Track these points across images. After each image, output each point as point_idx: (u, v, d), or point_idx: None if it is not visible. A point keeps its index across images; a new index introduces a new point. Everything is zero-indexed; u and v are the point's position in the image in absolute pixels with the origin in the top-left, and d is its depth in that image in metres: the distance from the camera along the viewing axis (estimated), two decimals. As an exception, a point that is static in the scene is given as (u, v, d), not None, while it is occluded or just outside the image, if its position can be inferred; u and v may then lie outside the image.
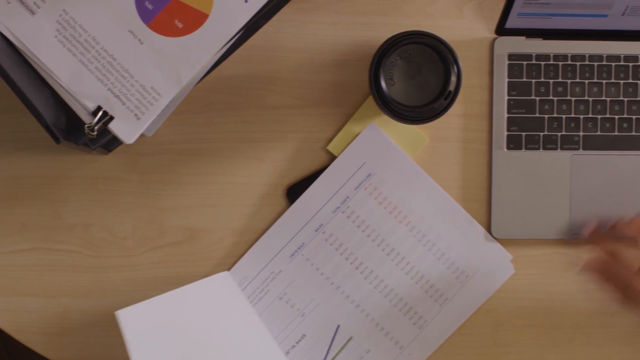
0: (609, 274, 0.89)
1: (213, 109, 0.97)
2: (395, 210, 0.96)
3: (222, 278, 0.94)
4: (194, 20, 0.87)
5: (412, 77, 0.90)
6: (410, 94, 0.91)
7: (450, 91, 0.91)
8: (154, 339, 0.83)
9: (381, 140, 0.96)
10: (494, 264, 0.97)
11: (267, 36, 0.97)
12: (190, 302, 0.90)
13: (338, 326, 0.96)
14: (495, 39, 0.98)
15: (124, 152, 0.97)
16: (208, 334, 0.88)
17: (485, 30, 0.98)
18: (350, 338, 0.97)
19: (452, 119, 0.98)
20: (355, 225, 0.96)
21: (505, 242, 0.98)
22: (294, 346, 0.96)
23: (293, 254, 0.96)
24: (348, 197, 0.96)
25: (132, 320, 0.83)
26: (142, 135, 0.95)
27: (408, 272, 0.97)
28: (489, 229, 0.98)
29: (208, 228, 0.97)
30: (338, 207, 0.96)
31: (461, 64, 0.97)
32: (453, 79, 0.90)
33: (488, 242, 0.98)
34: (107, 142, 0.93)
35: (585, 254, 0.99)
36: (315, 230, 0.96)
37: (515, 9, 0.94)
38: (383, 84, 0.90)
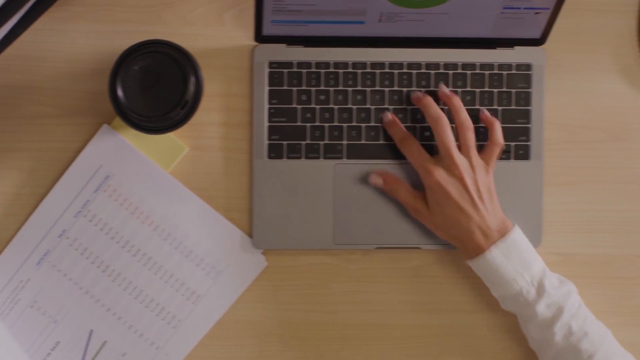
0: (395, 182, 0.94)
1: (-27, 119, 0.97)
2: (137, 211, 0.96)
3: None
4: None
5: (150, 87, 0.89)
6: (148, 103, 0.89)
7: (187, 100, 0.89)
8: None
9: (116, 141, 0.96)
10: (245, 257, 0.97)
11: (26, 45, 0.96)
12: None
13: (91, 331, 0.96)
14: (255, 46, 0.96)
15: None
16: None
17: (245, 37, 0.97)
18: (105, 342, 0.96)
19: (213, 128, 0.97)
20: (98, 229, 0.96)
21: (269, 253, 0.97)
22: (49, 354, 0.96)
23: (39, 262, 0.96)
24: (88, 200, 0.96)
25: None
26: None
27: (156, 272, 0.96)
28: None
29: (-31, 238, 0.97)
30: (79, 212, 0.96)
31: (219, 72, 0.97)
32: (191, 88, 0.89)
33: (236, 236, 0.97)
34: None
35: (350, 263, 0.98)
36: (59, 236, 0.96)
37: (267, 16, 0.93)
38: (120, 93, 0.89)
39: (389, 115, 0.95)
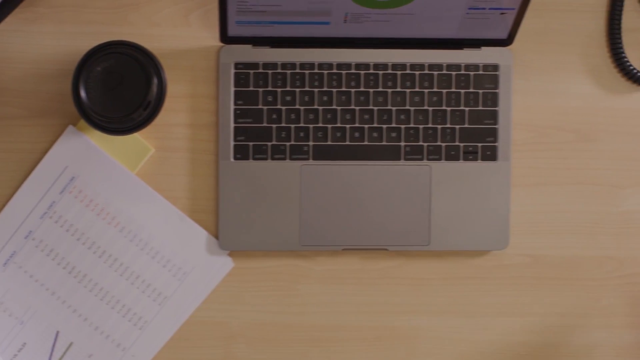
0: None
1: (-60, 120, 0.97)
2: (103, 212, 0.96)
3: None
4: None
5: (113, 88, 0.89)
6: (111, 104, 0.89)
7: (150, 102, 0.89)
8: None
9: (82, 142, 0.96)
10: (212, 259, 0.97)
11: (-8, 46, 0.96)
12: None
13: (57, 332, 0.96)
14: (221, 47, 0.96)
15: None
16: None
17: (211, 38, 0.97)
18: (72, 343, 0.96)
19: (179, 129, 0.97)
20: (64, 230, 0.96)
21: (235, 254, 0.97)
22: (15, 355, 0.96)
23: (6, 263, 0.96)
24: (54, 201, 0.96)
25: None
26: None
27: (122, 274, 0.96)
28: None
29: (-64, 239, 0.97)
30: (45, 213, 0.96)
31: (185, 73, 0.97)
32: (154, 89, 0.89)
33: (202, 237, 0.96)
34: None
35: (317, 265, 0.97)
36: (25, 238, 0.96)
37: (231, 17, 0.93)
38: (83, 94, 0.89)
39: None
